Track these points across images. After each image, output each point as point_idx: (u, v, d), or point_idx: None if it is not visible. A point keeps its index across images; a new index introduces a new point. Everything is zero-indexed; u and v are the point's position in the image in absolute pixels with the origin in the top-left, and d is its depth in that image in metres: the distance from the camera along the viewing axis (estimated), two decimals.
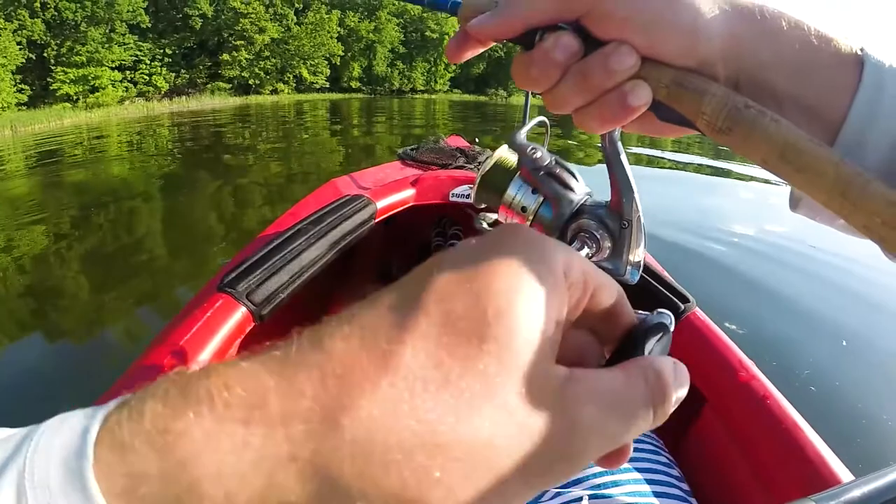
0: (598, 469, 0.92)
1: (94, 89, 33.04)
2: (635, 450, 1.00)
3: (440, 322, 0.25)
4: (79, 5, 32.18)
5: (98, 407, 0.26)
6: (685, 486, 0.98)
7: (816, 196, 0.37)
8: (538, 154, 0.56)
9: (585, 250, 0.50)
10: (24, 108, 29.12)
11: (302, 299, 1.54)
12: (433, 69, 62.62)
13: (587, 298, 0.31)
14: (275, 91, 44.63)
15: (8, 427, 0.26)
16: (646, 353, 0.32)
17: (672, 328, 0.36)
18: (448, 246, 2.43)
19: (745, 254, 5.44)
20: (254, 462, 0.23)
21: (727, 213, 7.53)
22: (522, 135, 0.59)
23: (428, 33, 58.55)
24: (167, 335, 1.24)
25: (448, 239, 2.48)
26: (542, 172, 0.55)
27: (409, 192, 2.06)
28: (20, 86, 30.23)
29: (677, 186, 9.81)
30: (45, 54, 31.89)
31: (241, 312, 1.33)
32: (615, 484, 0.91)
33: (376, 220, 1.87)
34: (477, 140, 3.03)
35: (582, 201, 0.53)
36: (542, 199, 0.53)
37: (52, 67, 31.92)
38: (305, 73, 47.04)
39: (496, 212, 0.57)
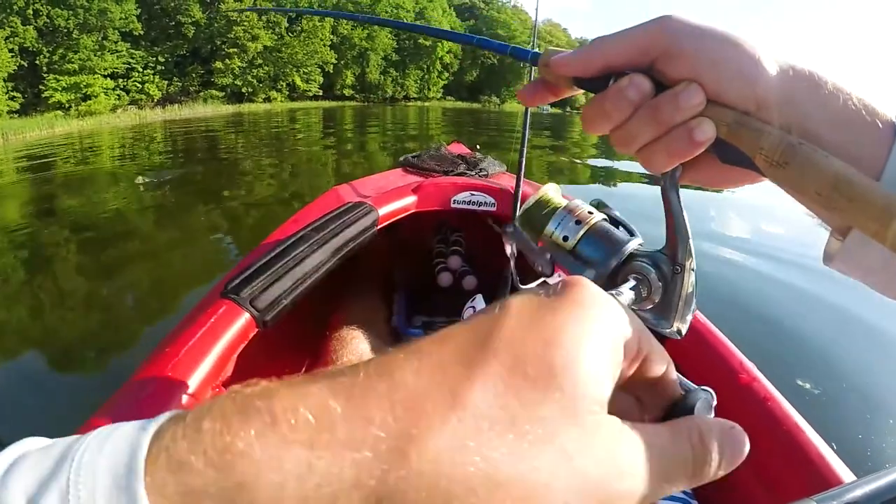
0: None
1: (86, 97, 32.96)
2: None
3: (509, 365, 0.26)
4: (71, 13, 32.14)
5: (146, 422, 0.26)
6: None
7: (867, 226, 0.39)
8: (577, 213, 0.54)
9: (634, 294, 0.48)
10: (16, 116, 28.87)
11: (305, 305, 1.55)
12: (426, 76, 62.90)
13: (638, 362, 0.33)
14: (268, 99, 44.54)
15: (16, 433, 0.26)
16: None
17: (714, 403, 0.37)
18: (450, 253, 2.46)
19: (746, 256, 5.47)
20: (317, 486, 0.23)
21: (727, 215, 7.56)
22: (552, 199, 0.57)
23: (421, 41, 58.66)
24: (171, 342, 1.24)
25: (450, 245, 2.48)
26: (581, 236, 0.53)
27: (410, 199, 2.07)
28: (12, 93, 30.14)
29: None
30: (38, 62, 31.81)
31: (244, 318, 1.33)
32: None
33: (378, 227, 1.88)
34: (478, 147, 3.05)
35: (634, 248, 0.52)
36: (581, 234, 0.52)
37: (45, 75, 31.83)
38: (298, 81, 47.09)
39: (535, 241, 0.55)
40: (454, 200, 2.15)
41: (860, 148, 0.42)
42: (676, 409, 0.35)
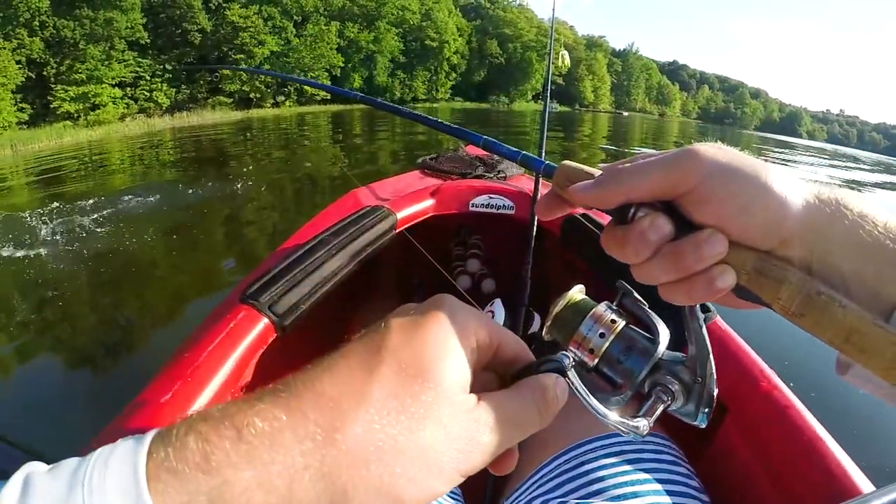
0: (619, 480, 0.94)
1: (94, 107, 33.08)
2: (654, 460, 1.00)
3: (395, 369, 0.37)
4: (77, 23, 32.30)
5: (135, 443, 0.33)
6: (705, 497, 0.98)
7: (877, 371, 0.41)
8: (603, 322, 0.54)
9: (662, 406, 0.51)
10: (25, 126, 29.00)
11: (323, 310, 1.54)
12: (434, 78, 62.91)
13: (493, 351, 0.45)
14: (276, 104, 44.46)
15: (25, 440, 0.27)
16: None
17: (568, 363, 0.46)
18: (469, 256, 2.43)
19: None
20: (279, 473, 0.33)
21: None
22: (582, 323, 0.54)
23: (428, 42, 58.78)
24: (190, 346, 1.23)
25: (469, 248, 2.45)
26: (608, 359, 0.53)
27: (428, 203, 2.05)
28: (21, 105, 30.26)
29: None
30: (45, 73, 31.95)
31: (263, 324, 1.33)
32: (635, 495, 0.91)
33: (397, 231, 1.85)
34: None
35: (659, 357, 0.52)
36: (609, 342, 0.52)
37: (52, 86, 31.95)
38: (306, 86, 46.73)
39: (566, 346, 0.54)
40: (472, 203, 2.13)
41: (880, 277, 0.42)
42: (521, 373, 0.46)
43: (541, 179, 1.96)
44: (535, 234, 1.91)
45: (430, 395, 0.37)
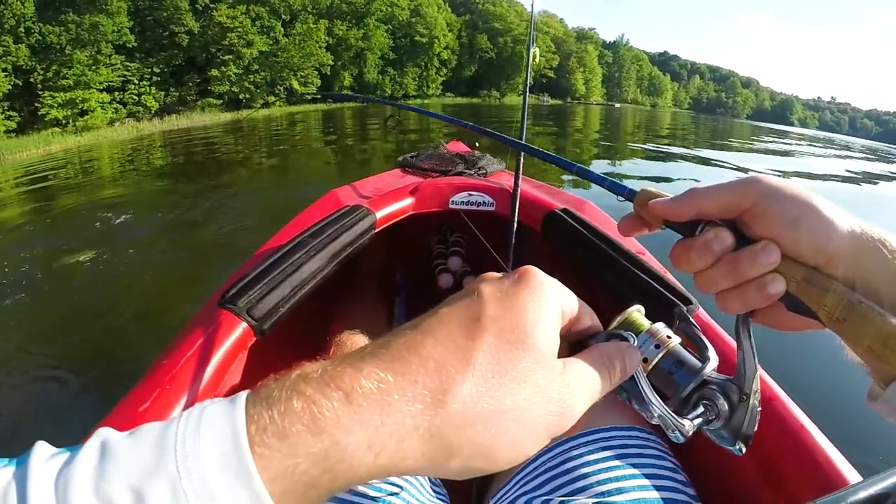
0: (603, 476, 0.94)
1: (83, 112, 32.91)
2: (640, 455, 1.01)
3: (496, 335, 0.40)
4: (63, 28, 32.14)
5: (228, 405, 0.34)
6: (691, 491, 0.98)
7: None
8: (657, 337, 0.56)
9: (702, 419, 0.54)
10: (13, 135, 28.68)
11: (304, 311, 1.53)
12: (424, 74, 62.88)
13: (570, 319, 0.49)
14: (266, 104, 43.98)
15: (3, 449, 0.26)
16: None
17: (635, 343, 0.52)
18: (451, 254, 2.42)
19: None
20: (390, 434, 0.34)
21: None
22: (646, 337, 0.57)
23: (417, 38, 58.78)
24: (169, 353, 1.22)
25: (450, 246, 2.43)
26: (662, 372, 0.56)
27: (408, 201, 2.04)
28: (8, 112, 30.11)
29: (684, 182, 9.80)
30: (32, 79, 31.76)
31: (242, 328, 1.32)
32: (620, 491, 0.91)
33: (377, 230, 1.85)
34: (477, 144, 3.00)
35: (706, 376, 0.56)
36: (662, 354, 0.56)
37: (40, 92, 31.74)
38: (296, 85, 46.83)
39: None
40: (452, 201, 2.12)
41: None
42: (590, 340, 0.52)
43: (521, 176, 1.95)
44: (515, 230, 1.91)
45: (528, 361, 0.40)
